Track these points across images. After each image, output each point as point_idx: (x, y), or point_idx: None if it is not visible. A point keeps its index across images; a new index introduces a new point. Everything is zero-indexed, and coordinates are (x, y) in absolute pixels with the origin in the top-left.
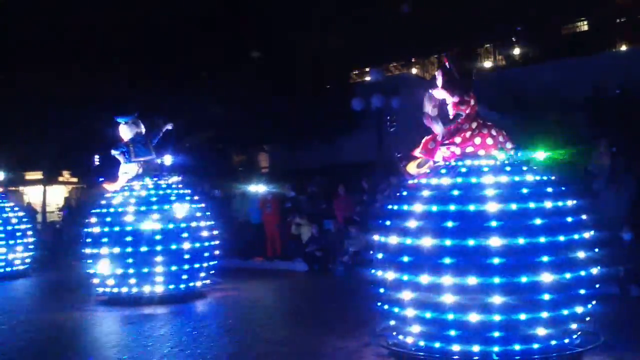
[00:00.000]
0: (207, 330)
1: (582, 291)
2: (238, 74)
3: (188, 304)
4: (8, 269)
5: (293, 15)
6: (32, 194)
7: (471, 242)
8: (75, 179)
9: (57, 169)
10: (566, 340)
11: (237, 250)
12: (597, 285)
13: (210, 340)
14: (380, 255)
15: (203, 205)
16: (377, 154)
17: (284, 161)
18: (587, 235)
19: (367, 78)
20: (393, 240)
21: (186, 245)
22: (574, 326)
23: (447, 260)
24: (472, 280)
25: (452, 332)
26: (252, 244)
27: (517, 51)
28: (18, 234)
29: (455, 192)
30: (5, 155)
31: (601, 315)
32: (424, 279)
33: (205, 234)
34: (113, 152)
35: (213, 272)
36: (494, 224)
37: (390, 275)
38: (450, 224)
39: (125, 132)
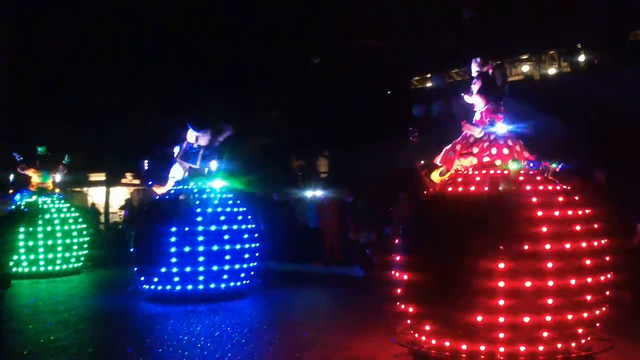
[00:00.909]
0: (239, 328)
1: (589, 297)
2: (299, 80)
3: (227, 303)
4: (64, 267)
5: (355, 21)
6: (96, 195)
7: None
8: (137, 181)
9: (120, 171)
10: (573, 344)
11: (295, 255)
12: (607, 292)
13: (239, 336)
14: (397, 258)
15: (245, 209)
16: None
17: (344, 166)
18: (596, 243)
19: (429, 84)
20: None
21: (227, 247)
22: (580, 330)
23: None
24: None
25: (460, 332)
26: (310, 249)
27: (582, 58)
28: (74, 233)
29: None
30: (69, 157)
31: (614, 320)
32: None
33: (246, 236)
34: (175, 148)
35: (253, 273)
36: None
37: (406, 277)
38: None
39: (191, 136)
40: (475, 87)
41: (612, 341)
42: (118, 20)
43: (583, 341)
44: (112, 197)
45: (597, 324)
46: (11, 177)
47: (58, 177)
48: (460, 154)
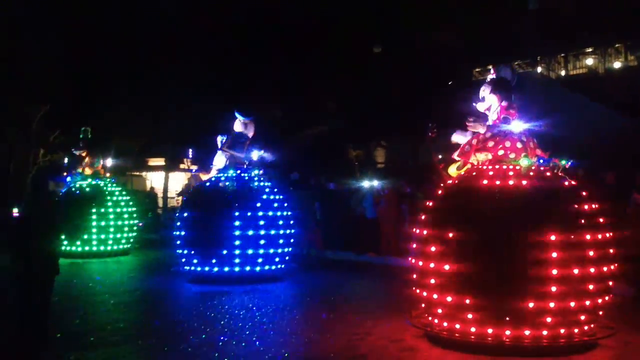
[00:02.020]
0: (264, 308)
1: (591, 286)
2: (359, 70)
3: (262, 285)
4: (115, 247)
5: (417, 12)
6: (155, 180)
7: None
8: (195, 167)
9: (178, 156)
10: (576, 330)
11: (351, 244)
12: (611, 283)
13: (261, 316)
14: (414, 245)
15: (281, 196)
16: None
17: (402, 156)
18: (599, 235)
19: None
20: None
21: (262, 232)
22: (583, 317)
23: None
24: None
25: (469, 315)
26: (366, 239)
27: None
28: (125, 216)
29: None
30: (131, 142)
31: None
32: (449, 267)
33: (281, 222)
34: (219, 137)
35: (288, 257)
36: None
37: (420, 264)
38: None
39: (237, 126)
40: (487, 90)
41: (614, 328)
42: (175, 11)
43: (586, 328)
44: (170, 182)
45: (600, 312)
46: (65, 160)
47: (109, 161)
48: (476, 148)
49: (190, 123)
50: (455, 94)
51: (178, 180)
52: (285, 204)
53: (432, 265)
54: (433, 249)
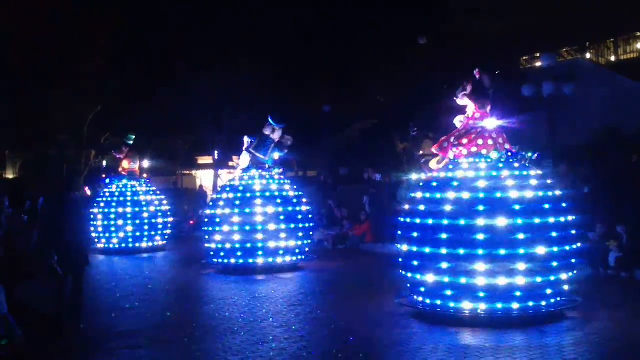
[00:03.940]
0: (280, 293)
1: (555, 263)
2: (402, 62)
3: (284, 274)
4: (150, 244)
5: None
6: (204, 178)
7: (462, 222)
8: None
9: (227, 154)
10: (543, 303)
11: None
12: (573, 260)
13: (276, 298)
14: (400, 232)
15: (301, 193)
16: (549, 141)
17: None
18: (562, 219)
19: (539, 64)
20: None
21: (282, 226)
22: (549, 291)
23: (443, 236)
24: (461, 252)
25: (448, 292)
26: None
27: None
28: (159, 214)
29: (455, 183)
30: (131, 137)
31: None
32: (426, 250)
33: (300, 217)
34: (246, 138)
35: (307, 249)
36: (481, 208)
37: (406, 248)
38: (448, 207)
39: (268, 130)
40: (465, 92)
41: (578, 301)
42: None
43: (552, 301)
44: (219, 180)
45: (565, 287)
46: (104, 163)
47: (146, 163)
48: (452, 144)
49: (239, 122)
50: (504, 82)
51: (227, 178)
52: (304, 200)
53: (414, 249)
54: (415, 234)
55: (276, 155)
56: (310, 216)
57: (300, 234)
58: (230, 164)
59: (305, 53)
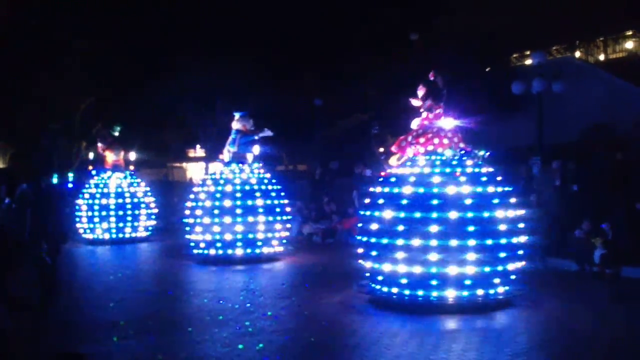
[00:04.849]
0: (256, 282)
1: (503, 254)
2: (391, 57)
3: (261, 265)
4: (133, 234)
5: None
6: (195, 170)
7: (417, 215)
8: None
9: (218, 147)
10: (492, 291)
11: None
12: (521, 252)
13: (247, 285)
14: (360, 224)
15: (280, 187)
16: (537, 139)
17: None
18: (510, 213)
19: (529, 61)
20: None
21: (261, 218)
22: (497, 280)
23: (399, 228)
24: (416, 242)
25: (404, 281)
26: None
27: None
28: (142, 205)
29: (412, 179)
30: (118, 128)
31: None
32: (383, 241)
33: (278, 210)
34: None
35: (285, 241)
36: (435, 202)
37: (365, 239)
38: (404, 201)
39: (236, 124)
40: (420, 92)
41: (525, 290)
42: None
43: (500, 289)
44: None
45: (513, 276)
46: (91, 155)
47: (132, 155)
48: (410, 143)
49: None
50: (494, 79)
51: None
52: (282, 194)
53: (373, 240)
54: (374, 226)
55: (256, 149)
56: (288, 209)
57: (278, 227)
58: (221, 156)
59: (297, 46)
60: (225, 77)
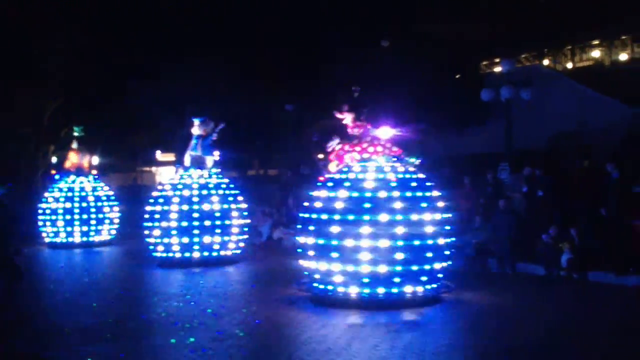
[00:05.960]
0: (213, 283)
1: (430, 254)
2: (369, 62)
3: (218, 268)
4: (97, 238)
5: (425, 4)
6: (165, 174)
7: (351, 217)
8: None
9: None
10: (420, 288)
11: None
12: (447, 252)
13: (203, 286)
14: (299, 226)
15: (237, 192)
16: (505, 146)
17: (412, 150)
18: (437, 216)
19: (498, 69)
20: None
21: (218, 222)
22: (425, 278)
23: (334, 229)
24: (349, 243)
25: (338, 279)
26: None
27: None
28: (106, 209)
29: (347, 184)
30: (80, 129)
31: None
32: (319, 241)
33: (235, 214)
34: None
35: (243, 244)
36: (367, 205)
37: (303, 240)
38: (341, 204)
39: (195, 129)
40: (343, 109)
41: (451, 287)
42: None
43: (428, 287)
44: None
45: (440, 275)
46: (54, 159)
47: (95, 159)
48: (347, 151)
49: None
50: (464, 86)
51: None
52: (240, 198)
53: (310, 241)
54: (311, 227)
55: (217, 155)
56: (245, 213)
57: (235, 230)
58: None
59: (269, 51)
60: (196, 82)
